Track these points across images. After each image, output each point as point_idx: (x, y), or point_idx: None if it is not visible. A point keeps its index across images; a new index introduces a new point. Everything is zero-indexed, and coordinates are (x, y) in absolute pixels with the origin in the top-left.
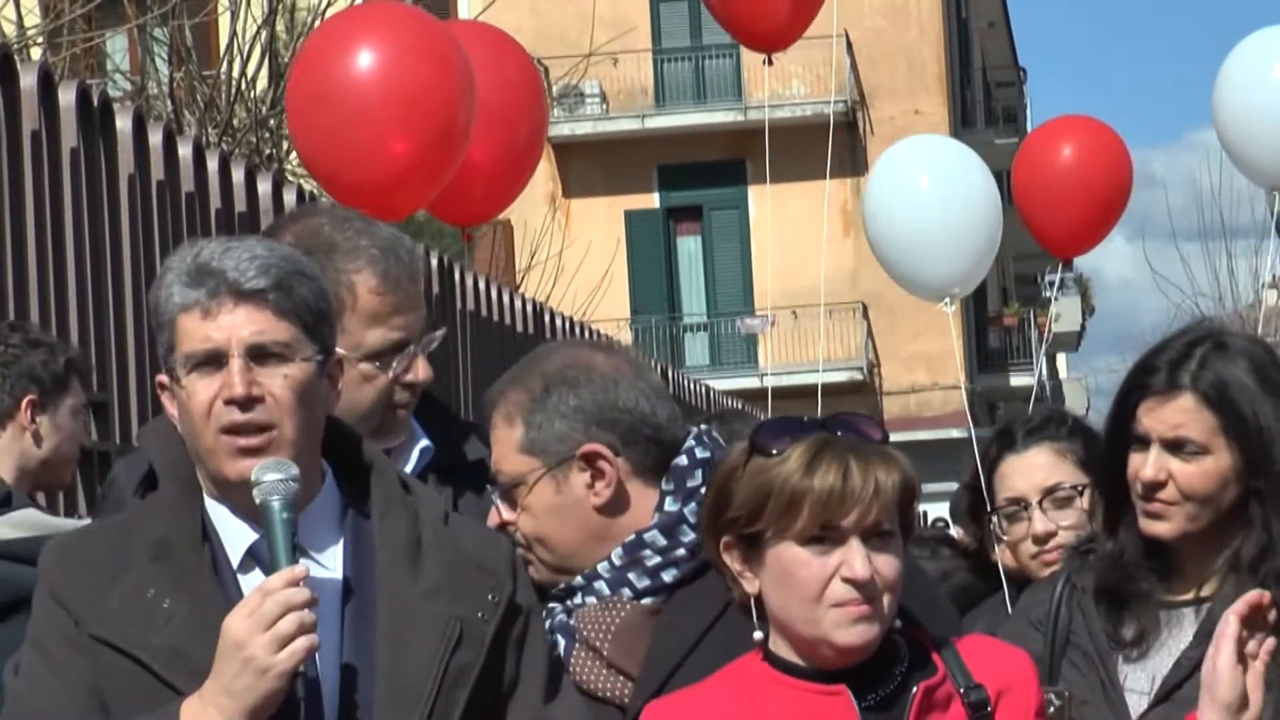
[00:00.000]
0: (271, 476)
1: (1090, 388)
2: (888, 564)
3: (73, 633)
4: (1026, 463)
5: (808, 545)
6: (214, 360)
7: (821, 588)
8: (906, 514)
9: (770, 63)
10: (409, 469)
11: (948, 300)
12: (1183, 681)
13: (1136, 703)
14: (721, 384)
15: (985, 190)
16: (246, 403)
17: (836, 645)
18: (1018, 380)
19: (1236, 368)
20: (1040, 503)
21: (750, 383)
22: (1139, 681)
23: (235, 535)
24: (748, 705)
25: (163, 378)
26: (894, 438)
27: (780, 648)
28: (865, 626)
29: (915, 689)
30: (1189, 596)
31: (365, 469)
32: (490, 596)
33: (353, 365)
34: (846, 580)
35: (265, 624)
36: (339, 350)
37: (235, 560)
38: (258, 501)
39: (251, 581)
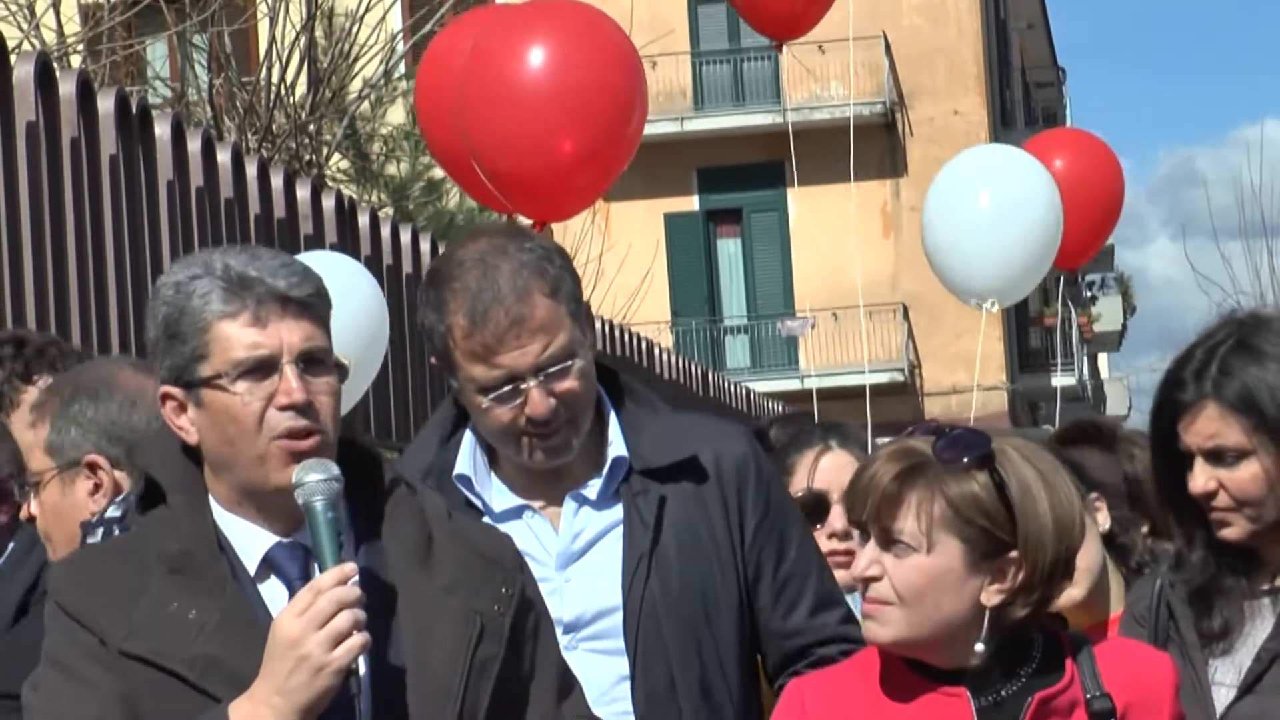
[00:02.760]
0: (313, 477)
1: (1132, 387)
2: (895, 571)
3: (98, 650)
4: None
5: (861, 535)
6: (264, 368)
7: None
8: (963, 534)
9: (779, 50)
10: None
11: (987, 305)
12: (1263, 673)
13: (1225, 696)
14: (762, 386)
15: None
16: (305, 409)
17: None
18: (1059, 380)
19: (1259, 366)
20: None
21: (791, 385)
22: (1227, 674)
23: (249, 544)
24: (879, 692)
25: (172, 389)
26: None
27: None
28: (872, 625)
29: (1031, 698)
30: (1268, 587)
31: (367, 472)
32: (504, 590)
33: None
34: (853, 576)
35: (319, 622)
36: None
37: (252, 569)
38: (300, 502)
39: (269, 589)
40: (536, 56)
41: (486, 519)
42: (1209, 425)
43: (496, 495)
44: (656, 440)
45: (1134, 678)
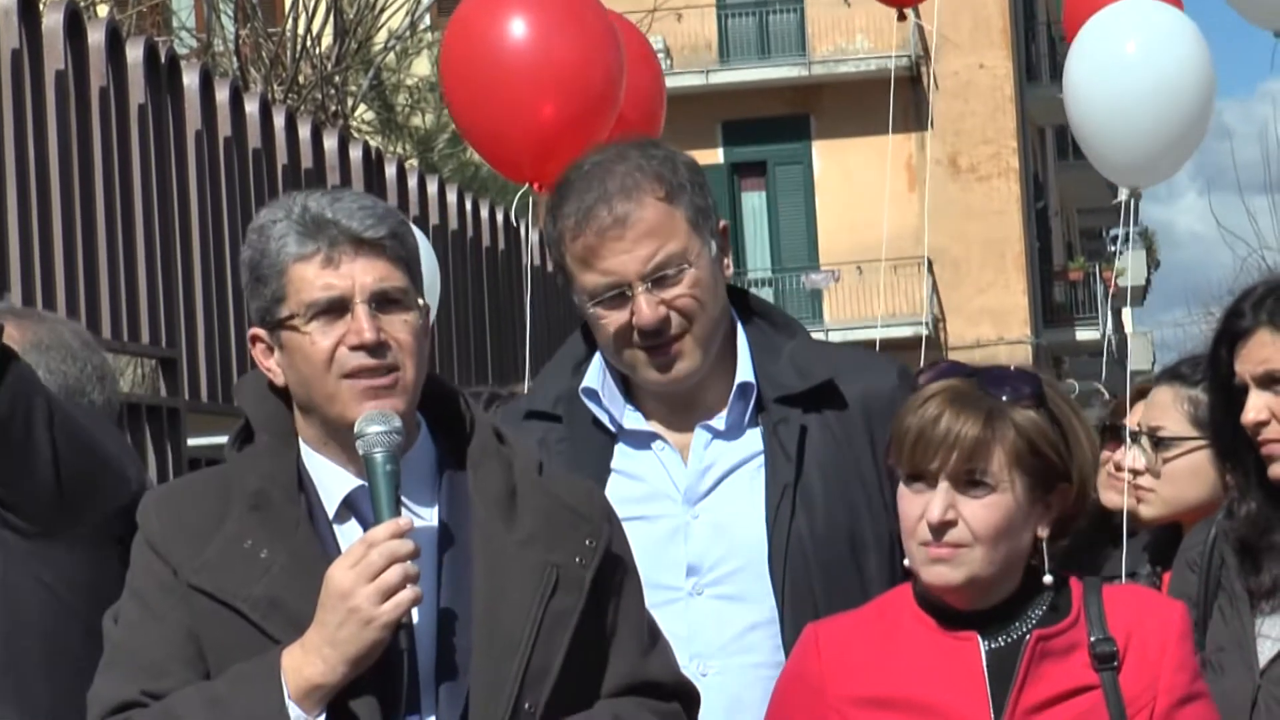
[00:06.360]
0: (375, 428)
1: (1156, 342)
2: (975, 512)
3: (171, 581)
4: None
5: (910, 483)
6: (337, 308)
7: (913, 526)
8: (1029, 468)
9: (903, 18)
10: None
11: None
12: None
13: (1270, 649)
14: None
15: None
16: (376, 348)
17: (924, 582)
18: (1083, 335)
19: None
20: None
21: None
22: (1274, 628)
23: (332, 485)
24: (892, 636)
25: (259, 331)
26: None
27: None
28: (944, 569)
29: (1029, 636)
30: None
31: (460, 421)
32: (588, 542)
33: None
34: (928, 523)
35: (370, 575)
36: None
37: (331, 510)
38: (361, 453)
39: (347, 532)
40: (518, 23)
41: (620, 442)
42: (1261, 350)
43: (629, 416)
44: (795, 365)
45: (1139, 622)
